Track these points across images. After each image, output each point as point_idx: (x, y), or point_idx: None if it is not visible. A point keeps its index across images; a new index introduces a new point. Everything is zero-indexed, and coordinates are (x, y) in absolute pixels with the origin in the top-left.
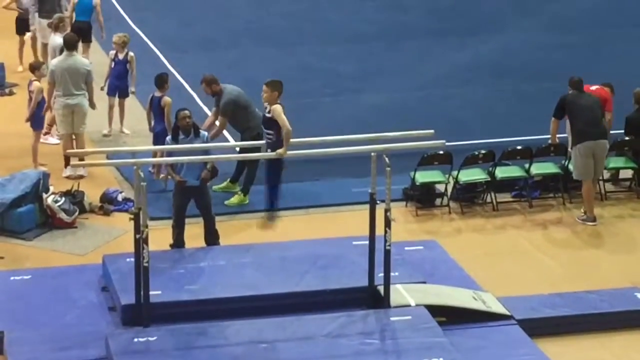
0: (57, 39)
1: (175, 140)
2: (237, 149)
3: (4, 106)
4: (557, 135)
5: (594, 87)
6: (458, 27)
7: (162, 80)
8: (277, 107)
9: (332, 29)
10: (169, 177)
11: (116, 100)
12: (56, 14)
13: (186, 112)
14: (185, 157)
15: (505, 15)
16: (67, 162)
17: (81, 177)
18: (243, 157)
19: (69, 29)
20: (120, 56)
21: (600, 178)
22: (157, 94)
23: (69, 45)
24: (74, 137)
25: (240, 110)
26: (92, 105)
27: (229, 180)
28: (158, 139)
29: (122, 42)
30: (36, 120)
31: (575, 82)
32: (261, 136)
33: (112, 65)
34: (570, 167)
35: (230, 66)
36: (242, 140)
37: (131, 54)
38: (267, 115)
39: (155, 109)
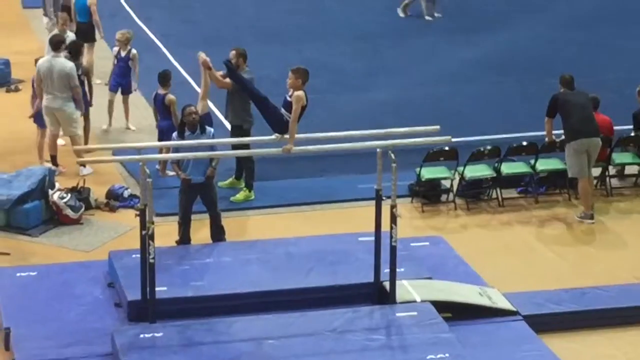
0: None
1: (181, 136)
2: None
3: (10, 102)
4: (554, 132)
5: None
6: (464, 24)
7: (165, 78)
8: (299, 94)
9: (338, 26)
10: (174, 173)
11: (119, 97)
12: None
13: (192, 108)
14: (190, 154)
15: (511, 12)
16: (53, 162)
17: (60, 171)
18: (248, 153)
19: (64, 28)
20: (123, 53)
21: (605, 175)
22: (161, 91)
23: (54, 46)
24: (64, 139)
25: (246, 96)
26: (80, 108)
27: (233, 176)
28: (163, 135)
29: (125, 39)
30: (41, 117)
31: (567, 80)
32: (249, 132)
33: (115, 62)
34: None
35: None
36: (231, 132)
37: (134, 51)
38: (289, 99)
39: (159, 105)
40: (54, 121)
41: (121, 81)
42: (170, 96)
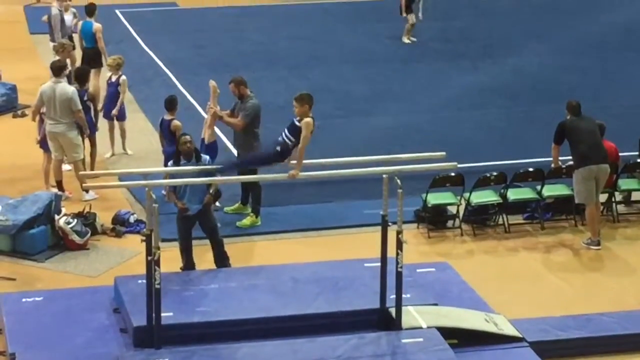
0: None
1: (177, 165)
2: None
3: (17, 127)
4: (560, 158)
5: None
6: (470, 50)
7: (171, 103)
8: (308, 121)
9: (344, 51)
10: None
11: (115, 122)
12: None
13: (187, 137)
14: (191, 179)
15: (517, 39)
16: (59, 187)
17: (66, 196)
18: (255, 179)
19: (67, 55)
20: (114, 78)
21: (604, 201)
22: (167, 117)
23: (54, 71)
24: (71, 165)
25: (255, 124)
26: (85, 131)
27: (239, 202)
28: (169, 161)
29: (116, 65)
30: (47, 142)
31: (573, 107)
32: None
33: (107, 88)
34: None
35: None
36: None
37: (123, 77)
38: (297, 123)
39: (165, 131)
40: (58, 146)
41: (113, 107)
42: (176, 122)
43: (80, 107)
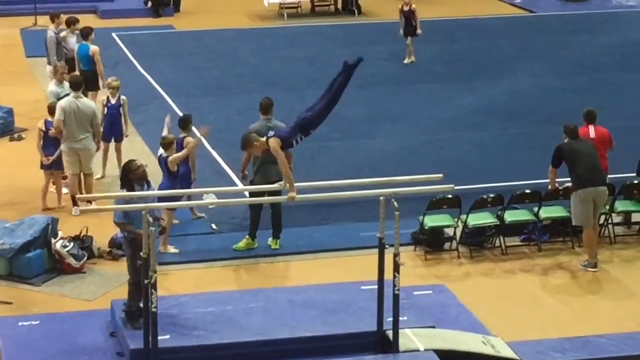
0: (50, 85)
1: (129, 190)
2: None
3: (13, 151)
4: (557, 180)
5: (592, 130)
6: (466, 71)
7: (185, 122)
8: (273, 146)
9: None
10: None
11: (112, 145)
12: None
13: (137, 162)
14: (191, 202)
15: (514, 60)
16: (74, 202)
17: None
18: (252, 201)
19: (60, 77)
20: (113, 101)
21: (601, 222)
22: (181, 135)
23: (73, 86)
24: (82, 177)
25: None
26: (98, 146)
27: (271, 237)
28: (182, 180)
29: (117, 86)
30: (59, 161)
31: (571, 130)
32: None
33: (105, 111)
34: None
35: (239, 111)
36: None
37: (123, 97)
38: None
39: (180, 149)
40: (76, 162)
41: (113, 129)
42: (189, 138)
43: (99, 121)
